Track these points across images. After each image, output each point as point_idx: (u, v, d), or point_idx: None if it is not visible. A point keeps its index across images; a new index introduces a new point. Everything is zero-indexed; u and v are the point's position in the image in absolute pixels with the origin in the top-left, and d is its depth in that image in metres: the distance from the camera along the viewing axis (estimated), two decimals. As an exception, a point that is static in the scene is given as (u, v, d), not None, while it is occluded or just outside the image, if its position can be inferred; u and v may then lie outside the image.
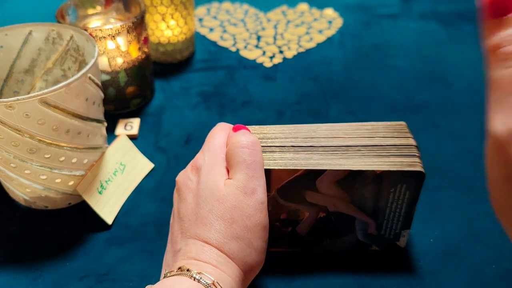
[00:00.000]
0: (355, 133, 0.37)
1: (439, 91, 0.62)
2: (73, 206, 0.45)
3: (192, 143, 0.54)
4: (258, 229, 0.32)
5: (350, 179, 0.35)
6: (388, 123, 0.38)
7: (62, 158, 0.40)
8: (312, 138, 0.37)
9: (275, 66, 0.69)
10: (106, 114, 0.48)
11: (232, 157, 0.34)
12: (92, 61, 0.40)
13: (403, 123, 0.38)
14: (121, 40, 0.53)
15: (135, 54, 0.55)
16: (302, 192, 0.36)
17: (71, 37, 0.46)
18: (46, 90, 0.36)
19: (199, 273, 0.29)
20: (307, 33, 0.77)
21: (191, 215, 0.33)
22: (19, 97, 0.35)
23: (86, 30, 0.49)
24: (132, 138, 0.54)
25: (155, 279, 0.38)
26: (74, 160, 0.42)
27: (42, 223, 0.44)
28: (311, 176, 0.35)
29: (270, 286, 0.38)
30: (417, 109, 0.59)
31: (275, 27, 0.79)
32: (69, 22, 0.54)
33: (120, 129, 0.55)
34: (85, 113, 0.40)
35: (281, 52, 0.72)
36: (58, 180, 0.42)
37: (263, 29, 0.79)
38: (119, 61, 0.54)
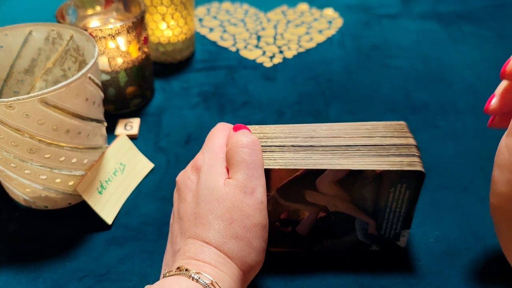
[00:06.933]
0: (355, 133, 0.37)
1: (439, 91, 0.62)
2: (73, 206, 0.45)
3: (192, 143, 0.54)
4: (258, 229, 0.32)
5: (350, 179, 0.35)
6: (388, 123, 0.38)
7: (62, 158, 0.40)
8: (312, 137, 0.37)
9: (275, 66, 0.69)
10: (106, 114, 0.48)
11: (232, 156, 0.34)
12: (92, 61, 0.40)
13: (403, 123, 0.38)
14: (121, 40, 0.53)
15: (135, 54, 0.55)
16: (302, 192, 0.36)
17: (71, 37, 0.46)
18: (46, 90, 0.36)
19: (198, 273, 0.29)
20: (307, 33, 0.77)
21: (190, 215, 0.33)
22: (19, 97, 0.35)
23: (86, 30, 0.49)
24: (132, 138, 0.54)
25: (155, 279, 0.38)
26: (74, 160, 0.42)
27: (42, 223, 0.44)
28: (311, 176, 0.35)
29: (270, 286, 0.38)
30: (417, 109, 0.59)
31: (275, 27, 0.79)
32: (69, 22, 0.54)
33: (120, 129, 0.55)
34: (85, 113, 0.40)
35: (281, 52, 0.72)
36: (58, 180, 0.42)
37: (263, 29, 0.79)
38: (119, 61, 0.54)
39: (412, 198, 0.36)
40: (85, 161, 0.43)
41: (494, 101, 0.35)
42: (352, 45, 0.74)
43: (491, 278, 0.38)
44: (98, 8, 0.58)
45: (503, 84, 0.35)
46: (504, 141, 0.28)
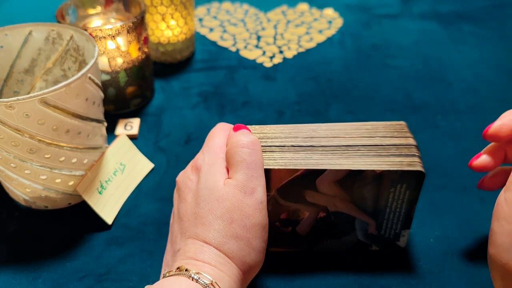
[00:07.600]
0: (355, 133, 0.37)
1: (439, 91, 0.62)
2: (73, 206, 0.45)
3: (192, 143, 0.54)
4: (257, 229, 0.32)
5: (350, 179, 0.35)
6: (388, 123, 0.38)
7: (62, 158, 0.40)
8: (312, 138, 0.37)
9: (275, 66, 0.69)
10: (106, 114, 0.48)
11: (232, 156, 0.34)
12: (92, 61, 0.40)
13: (403, 123, 0.38)
14: (121, 40, 0.53)
15: (135, 54, 0.55)
16: (302, 192, 0.36)
17: (71, 37, 0.46)
18: (46, 90, 0.36)
19: (198, 273, 0.29)
20: (307, 33, 0.77)
21: (190, 215, 0.33)
22: (19, 97, 0.35)
23: (86, 30, 0.49)
24: (132, 138, 0.54)
25: (155, 279, 0.38)
26: (74, 160, 0.42)
27: (42, 223, 0.44)
28: (311, 176, 0.35)
29: (270, 286, 0.38)
30: (417, 109, 0.59)
31: (275, 27, 0.79)
32: (69, 22, 0.54)
33: (120, 129, 0.55)
34: (85, 113, 0.40)
35: (281, 52, 0.72)
36: (58, 180, 0.42)
37: (263, 29, 0.79)
38: (119, 61, 0.54)
39: (412, 198, 0.36)
40: (85, 161, 0.43)
41: (482, 157, 0.38)
42: (352, 45, 0.74)
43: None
44: (98, 8, 0.58)
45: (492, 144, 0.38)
46: (503, 195, 0.30)
